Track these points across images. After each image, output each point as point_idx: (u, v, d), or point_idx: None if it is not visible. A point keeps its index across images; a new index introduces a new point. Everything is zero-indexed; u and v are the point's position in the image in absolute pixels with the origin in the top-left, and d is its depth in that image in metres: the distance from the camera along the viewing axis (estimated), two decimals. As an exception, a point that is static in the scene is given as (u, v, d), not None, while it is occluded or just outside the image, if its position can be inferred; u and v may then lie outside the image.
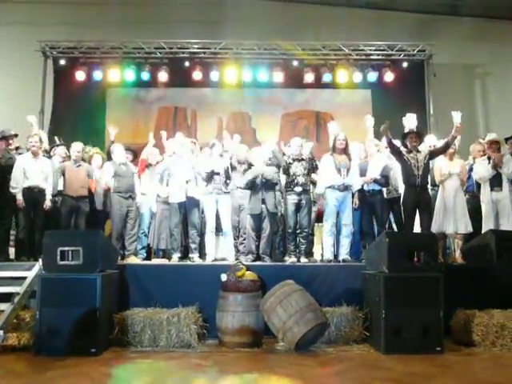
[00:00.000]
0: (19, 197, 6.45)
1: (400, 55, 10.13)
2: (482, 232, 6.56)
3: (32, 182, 6.54)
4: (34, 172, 6.58)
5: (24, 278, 5.45)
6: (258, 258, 6.43)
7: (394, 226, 6.91)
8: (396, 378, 4.05)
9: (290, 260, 6.37)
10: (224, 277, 5.38)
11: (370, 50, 10.10)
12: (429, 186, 6.46)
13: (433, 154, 6.40)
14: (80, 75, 9.99)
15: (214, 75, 10.08)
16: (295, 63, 10.14)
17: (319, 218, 7.14)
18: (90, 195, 6.93)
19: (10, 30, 10.25)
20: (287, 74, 10.10)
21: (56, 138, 7.63)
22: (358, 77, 10.12)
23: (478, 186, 6.96)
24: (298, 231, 6.52)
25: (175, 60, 10.19)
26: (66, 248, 5.00)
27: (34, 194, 6.55)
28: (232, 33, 10.03)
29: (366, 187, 6.74)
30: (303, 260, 6.39)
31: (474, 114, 10.51)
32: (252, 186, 6.46)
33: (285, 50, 9.97)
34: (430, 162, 6.43)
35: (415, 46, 10.02)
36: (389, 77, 10.13)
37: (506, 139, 7.15)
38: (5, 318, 4.99)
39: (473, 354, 4.93)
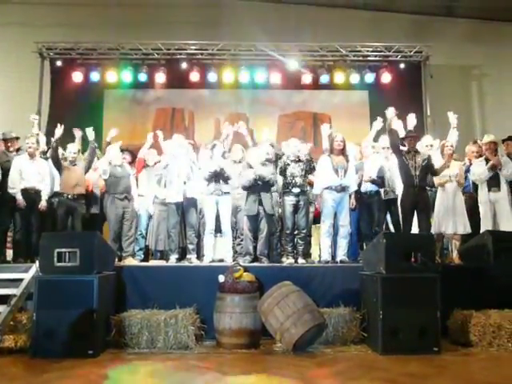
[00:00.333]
0: (19, 197, 6.45)
1: (397, 56, 10.13)
2: (480, 233, 6.58)
3: (28, 184, 6.54)
4: (31, 173, 6.58)
5: (21, 280, 5.45)
6: (255, 259, 6.43)
7: (391, 226, 6.91)
8: (393, 379, 4.06)
9: (287, 261, 6.37)
10: (221, 278, 5.38)
11: (367, 51, 10.10)
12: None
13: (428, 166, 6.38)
14: (77, 76, 9.96)
15: (211, 76, 10.07)
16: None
17: (317, 219, 7.14)
18: (87, 199, 6.91)
19: (6, 31, 10.22)
20: (284, 75, 10.10)
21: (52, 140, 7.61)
22: (355, 78, 10.12)
23: (476, 186, 6.98)
24: (295, 232, 6.52)
25: (172, 61, 10.18)
26: (63, 249, 5.00)
27: (30, 196, 6.55)
28: (229, 34, 10.03)
29: (362, 188, 6.76)
30: (301, 261, 6.39)
31: (470, 115, 10.54)
32: (250, 187, 6.46)
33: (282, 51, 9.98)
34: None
35: (412, 47, 10.03)
36: (386, 78, 10.14)
37: (503, 140, 7.18)
38: (1, 320, 4.99)
39: (470, 354, 4.95)
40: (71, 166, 6.68)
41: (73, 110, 9.59)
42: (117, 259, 6.36)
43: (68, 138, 7.11)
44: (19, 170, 6.53)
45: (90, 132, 6.81)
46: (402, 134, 6.66)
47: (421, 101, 10.07)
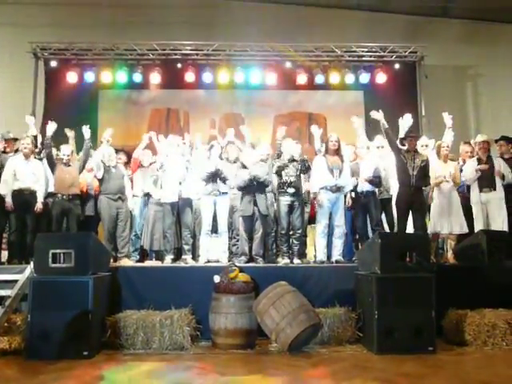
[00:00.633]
0: (8, 199, 6.42)
1: (392, 57, 10.15)
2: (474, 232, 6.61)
3: (23, 184, 6.50)
4: (26, 174, 6.54)
5: (15, 281, 5.41)
6: (250, 259, 6.43)
7: (386, 226, 6.93)
8: (388, 379, 4.07)
9: (282, 261, 6.37)
10: (217, 278, 5.38)
11: (362, 51, 10.12)
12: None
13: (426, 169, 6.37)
14: (72, 77, 9.92)
15: (206, 77, 10.06)
16: (288, 65, 10.15)
17: (312, 219, 7.15)
18: (82, 200, 6.89)
19: (0, 32, 10.19)
20: (280, 75, 10.10)
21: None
22: (350, 78, 10.14)
23: (468, 186, 6.99)
24: (290, 232, 6.53)
25: (168, 61, 10.16)
26: (58, 250, 5.00)
27: (25, 197, 6.51)
28: (224, 34, 10.03)
29: (359, 188, 6.76)
30: (296, 261, 6.40)
31: (465, 115, 10.57)
32: (245, 188, 6.46)
33: (278, 52, 9.98)
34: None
35: (407, 47, 10.05)
36: (381, 78, 10.16)
37: (496, 140, 7.19)
38: (-4, 321, 4.97)
39: (465, 353, 4.97)
40: (65, 167, 6.65)
41: (67, 110, 9.54)
42: (112, 260, 6.35)
43: (61, 138, 7.10)
44: (13, 170, 6.50)
45: (86, 130, 6.78)
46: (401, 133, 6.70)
47: (416, 101, 10.09)
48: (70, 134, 7.32)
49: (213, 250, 6.79)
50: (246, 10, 10.24)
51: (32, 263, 5.27)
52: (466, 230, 6.63)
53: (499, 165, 6.77)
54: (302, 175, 6.68)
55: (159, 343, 5.10)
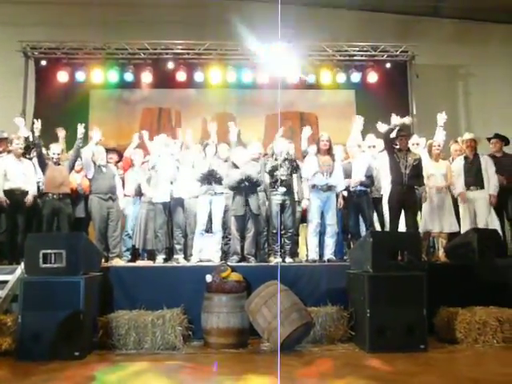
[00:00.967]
0: (0, 195, 6.37)
1: (383, 56, 10.18)
2: (461, 231, 6.65)
3: (14, 185, 6.47)
4: (16, 174, 6.51)
5: (6, 282, 5.39)
6: (242, 258, 6.43)
7: (377, 225, 6.95)
8: (380, 377, 4.09)
9: (274, 260, 6.37)
10: (209, 278, 5.37)
11: (354, 50, 10.14)
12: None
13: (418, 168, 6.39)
14: (62, 76, 9.87)
15: (198, 76, 10.05)
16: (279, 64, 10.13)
17: (304, 218, 7.15)
18: (72, 201, 6.85)
19: (-10, 31, 10.11)
20: (271, 74, 10.09)
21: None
22: (341, 77, 10.17)
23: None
24: (282, 232, 6.54)
25: (159, 61, 10.13)
26: (49, 251, 4.95)
27: (16, 197, 6.48)
28: (216, 34, 10.01)
29: (351, 188, 6.77)
30: (288, 260, 6.41)
31: (455, 114, 10.60)
32: (237, 188, 6.46)
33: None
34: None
35: (398, 47, 10.08)
36: (372, 77, 10.19)
37: (489, 139, 7.21)
38: (-14, 322, 4.93)
39: (456, 351, 5.00)
40: (56, 166, 6.61)
41: (58, 110, 9.51)
42: (103, 260, 6.32)
43: (51, 138, 7.06)
44: (4, 170, 6.45)
45: (81, 129, 6.73)
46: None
47: (407, 100, 10.13)
48: (60, 133, 7.28)
49: (205, 250, 6.79)
50: (237, 10, 10.21)
51: (23, 263, 5.23)
52: (455, 228, 6.67)
53: (485, 163, 6.79)
54: (293, 174, 6.70)
55: (151, 343, 5.08)
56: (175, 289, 5.60)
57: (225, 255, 6.71)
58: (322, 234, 6.65)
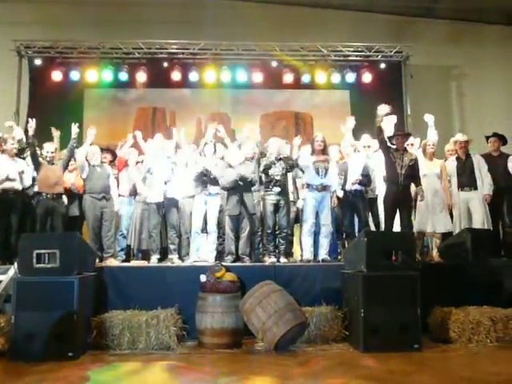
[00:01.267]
0: None
1: (377, 56, 10.20)
2: (454, 231, 6.67)
3: (7, 184, 6.42)
4: (10, 174, 6.47)
5: (-1, 282, 5.37)
6: (237, 258, 6.43)
7: (372, 226, 6.96)
8: (374, 376, 4.10)
9: (269, 260, 6.37)
10: (203, 278, 5.37)
11: (348, 51, 10.15)
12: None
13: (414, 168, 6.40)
14: (56, 75, 9.82)
15: (192, 76, 10.02)
16: (274, 64, 10.15)
17: (299, 218, 7.16)
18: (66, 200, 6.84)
19: (-18, 30, 10.05)
20: (266, 74, 10.10)
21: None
22: (336, 78, 10.18)
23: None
24: (277, 232, 6.54)
25: (154, 60, 10.10)
26: (43, 251, 4.93)
27: (9, 196, 6.45)
28: (211, 33, 9.99)
29: (347, 187, 6.76)
30: (283, 260, 6.41)
31: (449, 114, 10.66)
32: (232, 188, 6.45)
33: (264, 51, 9.98)
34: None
35: (392, 47, 10.11)
36: (367, 78, 10.21)
37: (488, 137, 7.16)
38: (-21, 322, 4.90)
39: (449, 350, 5.02)
40: (49, 166, 6.58)
41: (52, 109, 9.45)
42: (98, 260, 6.30)
43: (46, 137, 7.02)
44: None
45: (75, 129, 6.70)
46: (390, 131, 6.74)
47: (401, 100, 10.16)
48: (55, 133, 7.24)
49: (201, 250, 6.79)
50: (232, 9, 10.22)
51: (16, 263, 5.21)
52: (449, 228, 6.69)
53: (478, 163, 6.81)
54: (288, 174, 6.71)
55: (145, 343, 5.08)
56: (169, 289, 5.60)
57: (219, 255, 6.70)
58: (316, 234, 6.66)
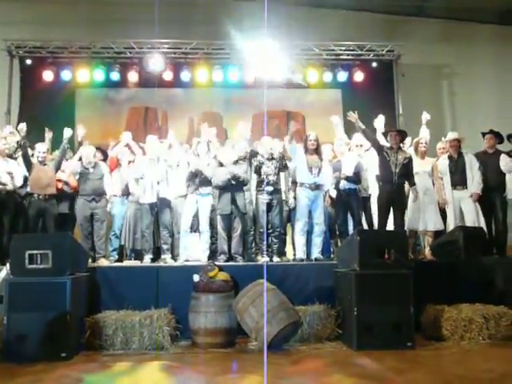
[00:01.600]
0: None
1: (369, 55, 10.25)
2: (447, 230, 6.70)
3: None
4: (2, 173, 6.43)
5: (-9, 283, 5.33)
6: (230, 258, 6.42)
7: (365, 224, 6.97)
8: (368, 374, 4.12)
9: (262, 260, 6.37)
10: (196, 277, 5.36)
11: (340, 50, 10.20)
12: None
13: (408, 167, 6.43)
14: (48, 75, 9.78)
15: (184, 75, 10.02)
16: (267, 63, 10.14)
17: (291, 217, 7.16)
18: (58, 198, 6.79)
19: (-27, 29, 9.98)
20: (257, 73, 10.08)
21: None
22: (328, 76, 10.22)
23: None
24: (269, 231, 6.54)
25: (145, 60, 10.08)
26: (35, 251, 4.91)
27: (1, 197, 6.40)
28: (202, 33, 9.98)
29: (341, 186, 6.76)
30: (276, 259, 6.42)
31: (441, 113, 10.72)
32: (224, 187, 6.45)
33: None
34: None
35: (384, 46, 10.16)
36: (358, 76, 10.25)
37: (484, 134, 7.13)
38: (-29, 324, 4.87)
39: (442, 348, 5.04)
40: (41, 166, 6.55)
41: (44, 109, 9.42)
42: (90, 260, 6.28)
43: (38, 137, 6.99)
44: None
45: (68, 132, 6.67)
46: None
47: (393, 99, 10.22)
48: (47, 134, 7.21)
49: (193, 249, 6.77)
50: (224, 8, 10.20)
51: (8, 264, 5.18)
52: (439, 226, 6.71)
53: (469, 161, 6.84)
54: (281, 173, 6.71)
55: (139, 343, 5.06)
56: (162, 289, 5.57)
57: (212, 255, 6.69)
58: (309, 233, 6.66)
